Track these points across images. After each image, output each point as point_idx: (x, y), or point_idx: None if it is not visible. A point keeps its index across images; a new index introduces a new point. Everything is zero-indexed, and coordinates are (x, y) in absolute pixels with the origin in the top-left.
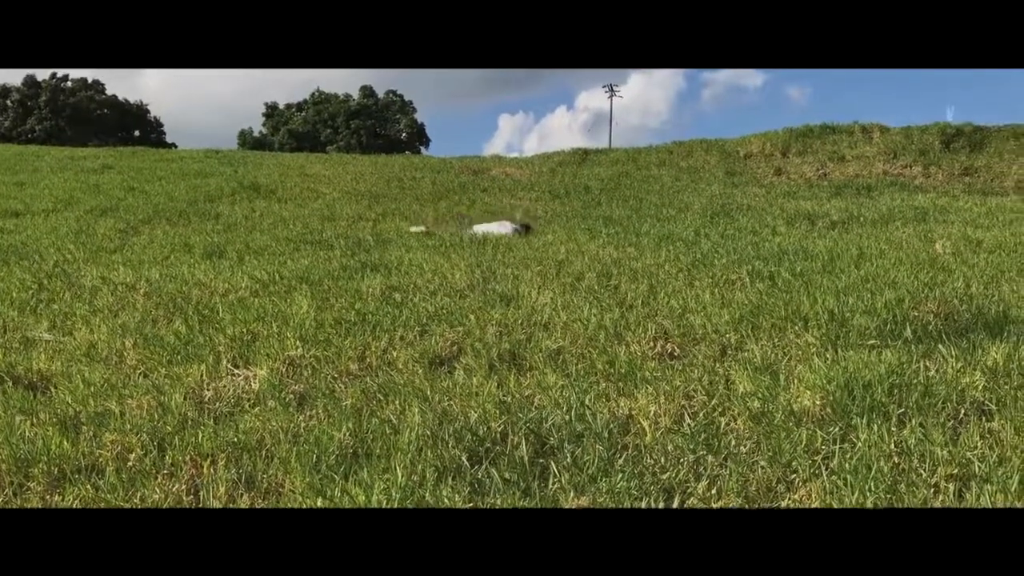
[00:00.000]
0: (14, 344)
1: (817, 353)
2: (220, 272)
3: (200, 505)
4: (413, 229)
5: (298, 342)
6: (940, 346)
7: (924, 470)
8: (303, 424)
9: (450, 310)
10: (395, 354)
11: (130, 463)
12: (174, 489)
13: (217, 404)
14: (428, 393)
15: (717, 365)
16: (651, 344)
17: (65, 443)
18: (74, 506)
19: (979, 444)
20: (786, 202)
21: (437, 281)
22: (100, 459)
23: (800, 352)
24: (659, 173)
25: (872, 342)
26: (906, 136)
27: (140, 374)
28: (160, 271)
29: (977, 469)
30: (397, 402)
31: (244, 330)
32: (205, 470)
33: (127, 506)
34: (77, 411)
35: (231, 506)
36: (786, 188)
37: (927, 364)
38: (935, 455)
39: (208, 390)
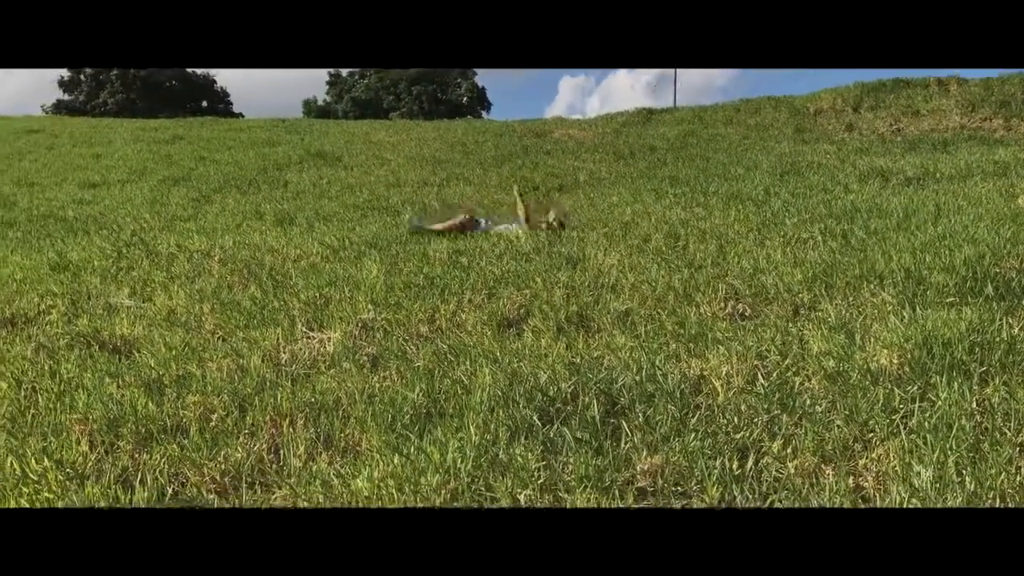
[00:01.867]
0: (98, 310)
1: (894, 311)
2: (291, 239)
3: (282, 464)
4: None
5: (369, 305)
6: (1009, 299)
7: (1009, 429)
8: (377, 385)
9: (516, 273)
10: (464, 316)
11: (212, 423)
12: (255, 448)
13: (294, 366)
14: (498, 354)
15: (790, 325)
16: (722, 305)
17: (151, 404)
18: (161, 466)
19: None
20: (858, 159)
21: (503, 245)
22: (184, 419)
23: (876, 311)
24: (726, 132)
25: (951, 299)
26: (985, 88)
27: (218, 338)
28: (233, 238)
29: None
30: (467, 363)
31: (317, 294)
32: (284, 429)
33: (211, 466)
34: (160, 374)
35: (306, 469)
36: (858, 144)
37: (1010, 321)
38: (1021, 413)
39: (284, 353)
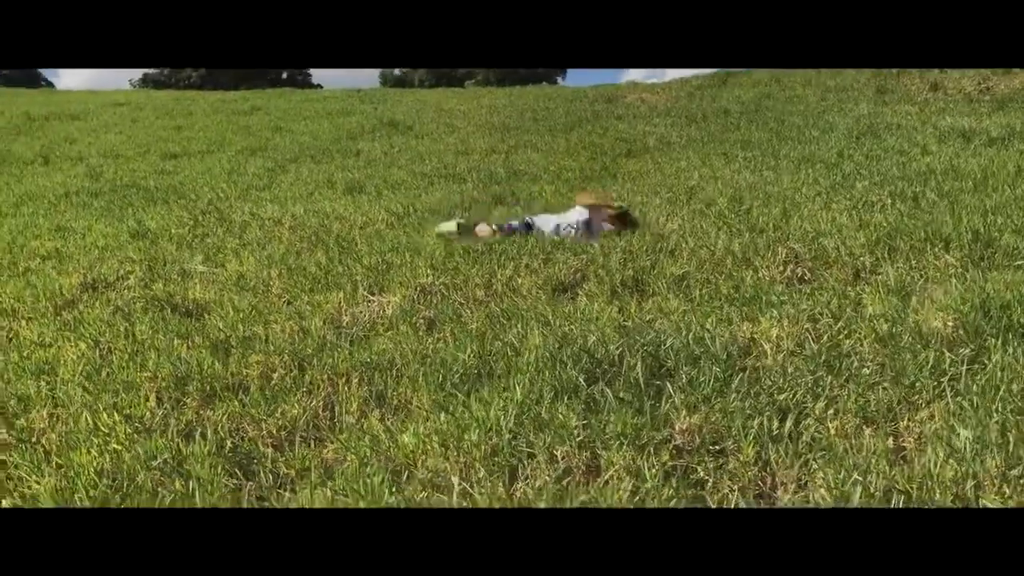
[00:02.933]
0: (173, 276)
1: (956, 275)
2: (359, 206)
3: (335, 420)
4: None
5: (429, 271)
6: None
7: None
8: (431, 346)
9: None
10: (520, 281)
11: (273, 381)
12: (311, 404)
13: (353, 328)
14: (549, 317)
15: (848, 288)
16: (780, 268)
17: (216, 363)
18: (222, 421)
19: None
20: (940, 119)
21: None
22: (246, 378)
23: (938, 274)
24: (804, 93)
25: (1020, 262)
26: None
27: (284, 302)
28: (304, 206)
29: None
30: (519, 326)
31: (379, 260)
32: (340, 388)
33: (269, 421)
34: (227, 335)
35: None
36: (942, 104)
37: None
38: None
39: (346, 315)
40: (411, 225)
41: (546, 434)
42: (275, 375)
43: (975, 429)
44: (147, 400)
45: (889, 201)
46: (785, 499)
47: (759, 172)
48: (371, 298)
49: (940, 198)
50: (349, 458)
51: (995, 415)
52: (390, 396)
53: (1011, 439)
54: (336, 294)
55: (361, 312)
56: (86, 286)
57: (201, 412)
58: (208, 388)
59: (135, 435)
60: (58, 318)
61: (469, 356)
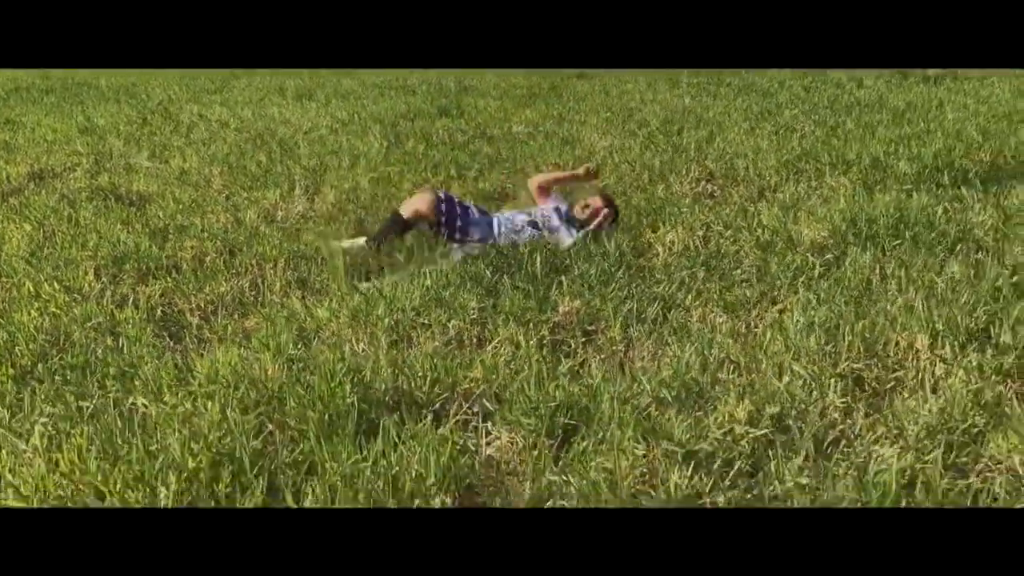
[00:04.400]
0: (118, 169)
1: (847, 195)
2: (307, 112)
3: (260, 298)
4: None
5: (365, 174)
6: (963, 189)
7: (891, 290)
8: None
9: (514, 155)
10: (453, 189)
11: (205, 264)
12: (239, 284)
13: (287, 222)
14: None
15: (749, 204)
16: (693, 184)
17: (153, 247)
18: (156, 295)
19: (957, 271)
20: None
21: (506, 127)
22: (180, 260)
23: (832, 193)
24: None
25: (908, 187)
26: None
27: (223, 196)
28: (253, 110)
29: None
30: None
31: (318, 162)
32: (267, 271)
33: (198, 296)
34: (166, 223)
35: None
36: None
37: (948, 206)
38: (903, 277)
39: (280, 211)
40: (354, 132)
41: (445, 311)
42: (207, 258)
43: (809, 315)
44: (86, 275)
45: (809, 129)
46: (638, 365)
47: (699, 98)
48: (305, 196)
49: (857, 128)
50: (266, 325)
51: (835, 305)
52: (312, 281)
53: (840, 323)
54: (273, 191)
55: (295, 207)
56: (33, 175)
57: (136, 288)
58: (144, 267)
59: (72, 303)
60: (4, 204)
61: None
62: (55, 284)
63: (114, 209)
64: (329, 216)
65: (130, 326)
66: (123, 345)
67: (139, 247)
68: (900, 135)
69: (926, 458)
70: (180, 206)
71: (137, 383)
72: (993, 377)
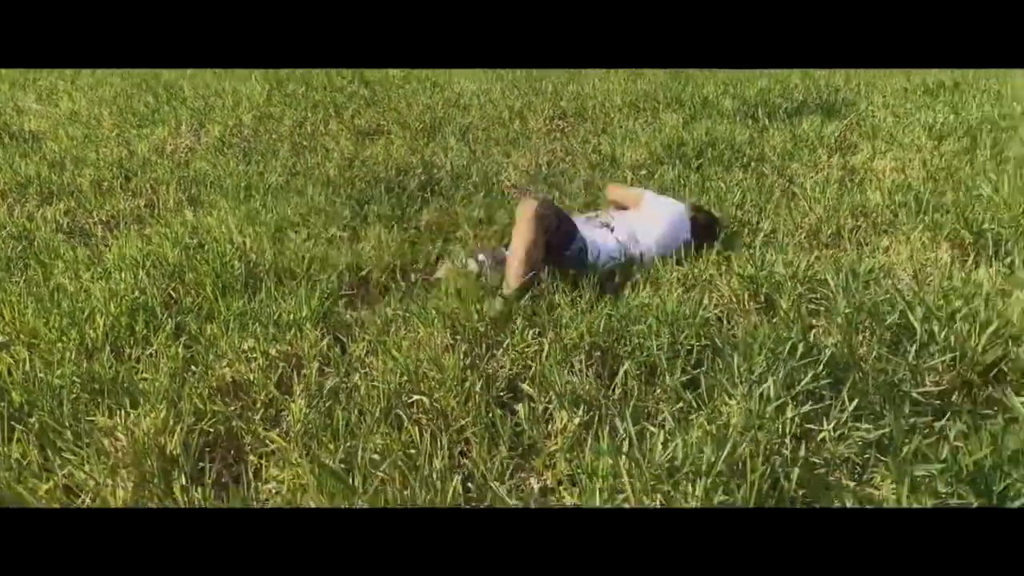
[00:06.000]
0: (8, 110)
1: (674, 126)
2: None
3: (156, 213)
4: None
5: (248, 112)
6: (768, 120)
7: (685, 192)
8: (243, 170)
9: (384, 97)
10: (331, 126)
11: (103, 187)
12: (136, 203)
13: (177, 155)
14: (349, 150)
15: (592, 136)
16: (547, 122)
17: (53, 175)
18: (60, 213)
19: (743, 179)
20: None
21: (382, 72)
22: (80, 185)
23: (661, 125)
24: None
25: (726, 121)
26: None
27: (114, 134)
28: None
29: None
30: (322, 156)
31: (204, 104)
32: (160, 192)
33: (99, 212)
34: (63, 156)
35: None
36: None
37: (753, 134)
38: (698, 184)
39: (169, 145)
40: (237, 78)
41: (321, 216)
42: (105, 183)
43: None
44: None
45: (653, 74)
46: (478, 246)
47: None
48: (193, 133)
49: (699, 72)
50: (160, 230)
51: None
52: (202, 199)
53: None
54: (163, 128)
55: (183, 142)
56: None
57: (42, 207)
58: (47, 191)
59: None
60: None
61: (276, 177)
62: None
63: (9, 145)
64: (216, 148)
65: (42, 232)
66: (38, 244)
67: (40, 174)
68: (732, 77)
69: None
70: (74, 142)
71: (56, 270)
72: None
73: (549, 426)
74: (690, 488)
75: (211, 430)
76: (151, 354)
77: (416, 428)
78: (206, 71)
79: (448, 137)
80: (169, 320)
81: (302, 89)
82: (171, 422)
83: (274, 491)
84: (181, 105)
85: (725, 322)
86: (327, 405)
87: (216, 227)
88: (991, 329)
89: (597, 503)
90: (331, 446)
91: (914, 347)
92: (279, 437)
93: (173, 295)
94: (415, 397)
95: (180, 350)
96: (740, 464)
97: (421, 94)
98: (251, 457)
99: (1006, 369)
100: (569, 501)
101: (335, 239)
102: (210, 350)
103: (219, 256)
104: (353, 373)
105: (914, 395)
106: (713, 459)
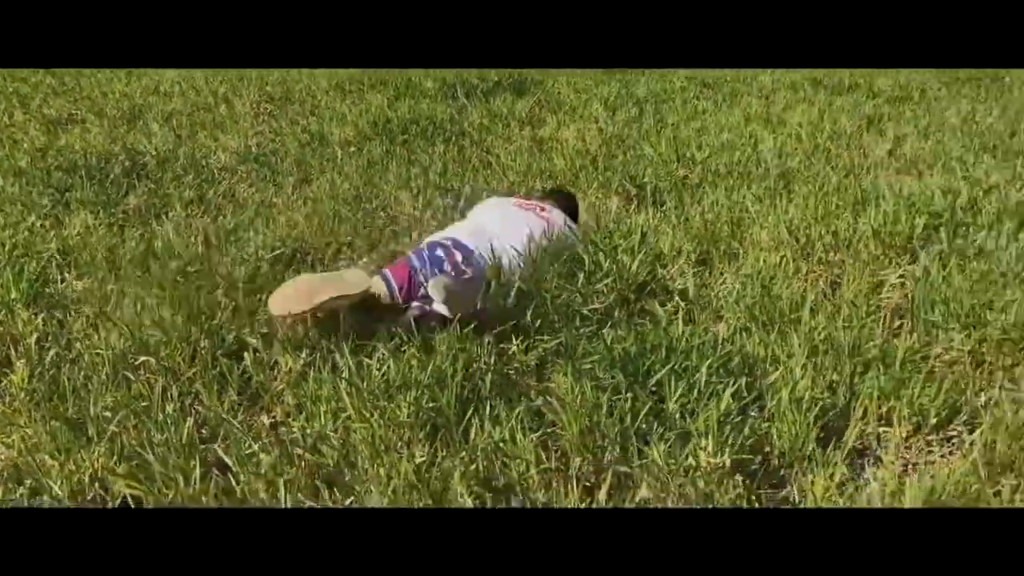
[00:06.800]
0: None
1: (379, 105)
2: None
3: None
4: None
5: None
6: (464, 99)
7: (392, 168)
8: None
9: (74, 85)
10: (15, 116)
11: None
12: None
13: None
14: (48, 140)
15: (300, 118)
16: (254, 106)
17: None
18: None
19: (445, 151)
20: None
21: None
22: None
23: (367, 104)
24: None
25: (428, 100)
26: None
27: None
28: None
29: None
30: (9, 146)
31: None
32: None
33: None
34: None
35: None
36: None
37: (455, 112)
38: (405, 158)
39: None
40: None
41: (17, 206)
42: None
43: (336, 186)
44: None
45: None
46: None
47: None
48: None
49: None
50: None
51: (352, 177)
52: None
53: (360, 189)
54: None
55: None
56: None
57: None
58: None
59: None
60: None
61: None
62: None
63: None
64: None
65: None
66: None
67: None
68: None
69: None
70: None
71: None
72: None
73: (275, 371)
74: (402, 398)
75: None
76: None
77: (146, 385)
78: None
79: (151, 123)
80: None
81: None
82: None
83: (2, 455)
84: None
85: None
86: (51, 374)
87: None
88: (640, 256)
89: (320, 425)
90: (61, 408)
91: (582, 275)
92: (2, 405)
93: None
94: (141, 358)
95: None
96: (446, 377)
97: (116, 82)
98: None
99: (655, 287)
100: (296, 427)
101: (35, 228)
102: None
103: None
104: (75, 343)
105: (584, 312)
106: (421, 375)
